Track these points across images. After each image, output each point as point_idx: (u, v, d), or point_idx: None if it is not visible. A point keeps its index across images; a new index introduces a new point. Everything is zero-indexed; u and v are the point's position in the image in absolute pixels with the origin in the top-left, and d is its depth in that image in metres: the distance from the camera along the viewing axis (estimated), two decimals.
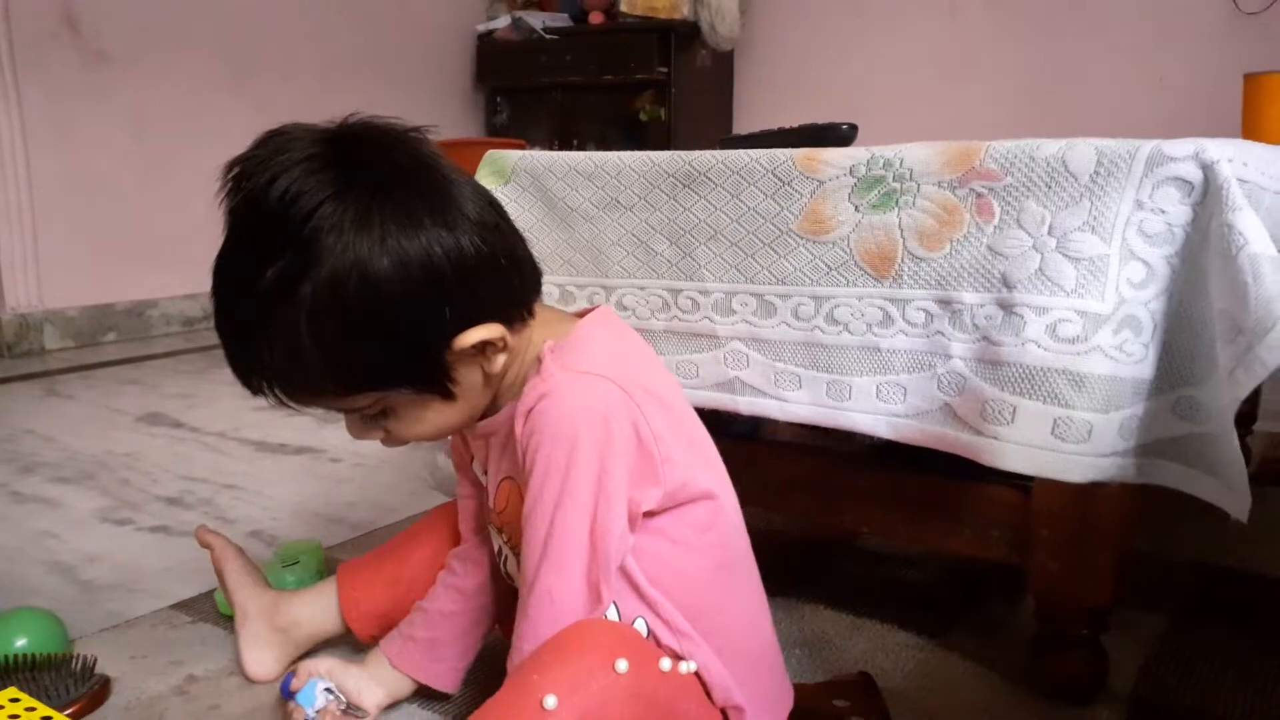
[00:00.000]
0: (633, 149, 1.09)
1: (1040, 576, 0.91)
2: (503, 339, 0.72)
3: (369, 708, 0.89)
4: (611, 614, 0.73)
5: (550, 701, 0.63)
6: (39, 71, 2.77)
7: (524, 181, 1.13)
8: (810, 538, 1.34)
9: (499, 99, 4.03)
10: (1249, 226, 0.73)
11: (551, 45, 3.80)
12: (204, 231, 3.47)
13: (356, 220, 0.65)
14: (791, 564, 1.22)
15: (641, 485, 0.71)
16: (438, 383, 0.71)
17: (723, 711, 0.75)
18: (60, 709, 0.88)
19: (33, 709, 0.84)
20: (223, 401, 2.21)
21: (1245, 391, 0.72)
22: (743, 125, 3.91)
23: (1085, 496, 0.85)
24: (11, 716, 0.83)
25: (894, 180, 0.90)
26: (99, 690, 0.94)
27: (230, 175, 0.68)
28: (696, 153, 1.02)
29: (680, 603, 0.75)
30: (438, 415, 0.74)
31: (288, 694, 0.88)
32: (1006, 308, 0.85)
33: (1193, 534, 1.27)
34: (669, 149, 1.06)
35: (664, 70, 3.63)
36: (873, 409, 0.93)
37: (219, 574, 1.03)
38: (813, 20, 3.75)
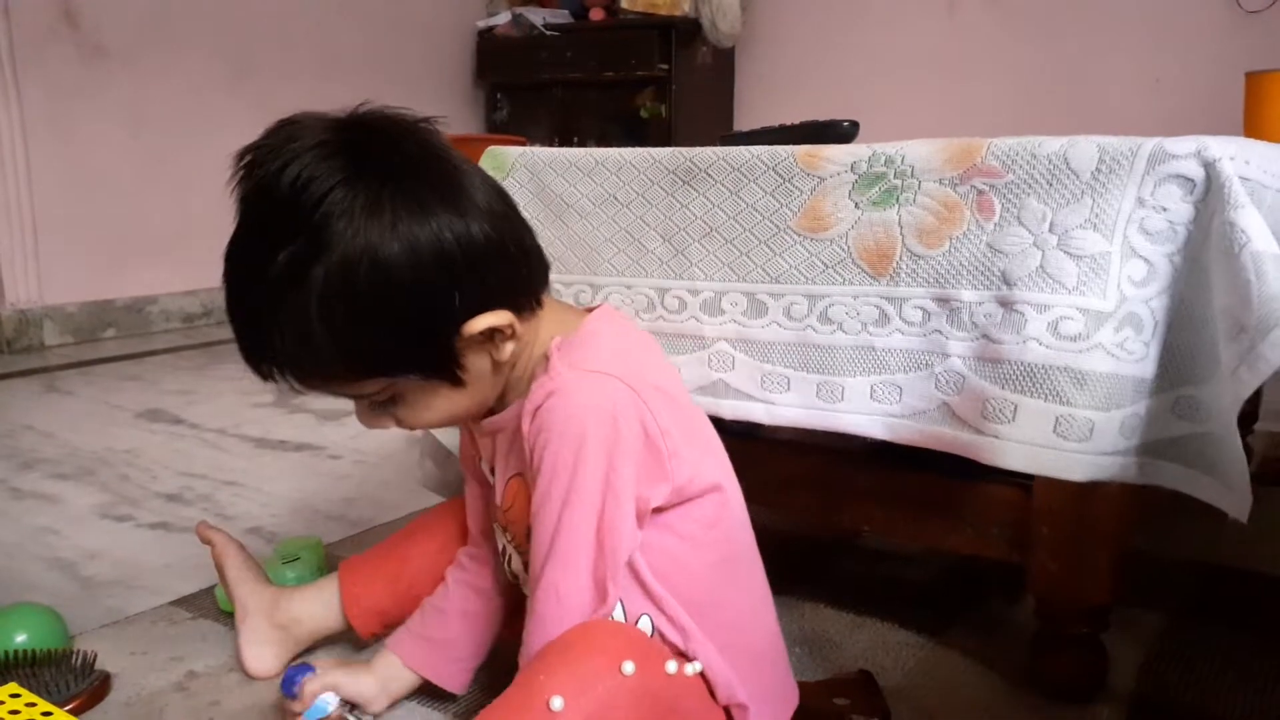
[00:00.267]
0: (633, 146, 1.09)
1: (1040, 575, 0.91)
2: (511, 326, 0.72)
3: (377, 709, 0.89)
4: (617, 612, 0.73)
5: (557, 703, 0.63)
6: (38, 67, 2.77)
7: (521, 177, 1.13)
8: (810, 536, 1.34)
9: (499, 95, 4.02)
10: (1251, 224, 0.73)
11: (552, 42, 3.80)
12: (204, 227, 3.48)
13: (367, 206, 0.65)
14: (792, 562, 1.22)
15: (650, 482, 0.71)
16: (447, 369, 0.71)
17: (726, 710, 0.75)
18: (60, 705, 0.88)
19: (33, 704, 0.84)
20: (223, 398, 2.21)
21: (1248, 390, 0.72)
22: (743, 122, 3.90)
23: (1085, 495, 0.85)
24: (12, 712, 0.83)
25: (895, 177, 0.90)
26: (99, 686, 0.94)
27: (242, 163, 0.68)
28: (698, 149, 1.02)
29: (685, 598, 0.75)
30: (447, 402, 0.74)
31: (289, 692, 0.87)
32: (1006, 305, 0.85)
33: (1193, 532, 1.27)
34: (670, 146, 1.06)
35: (665, 67, 3.63)
36: (867, 410, 0.93)
37: (219, 570, 1.02)
38: (814, 17, 3.74)
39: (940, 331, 0.88)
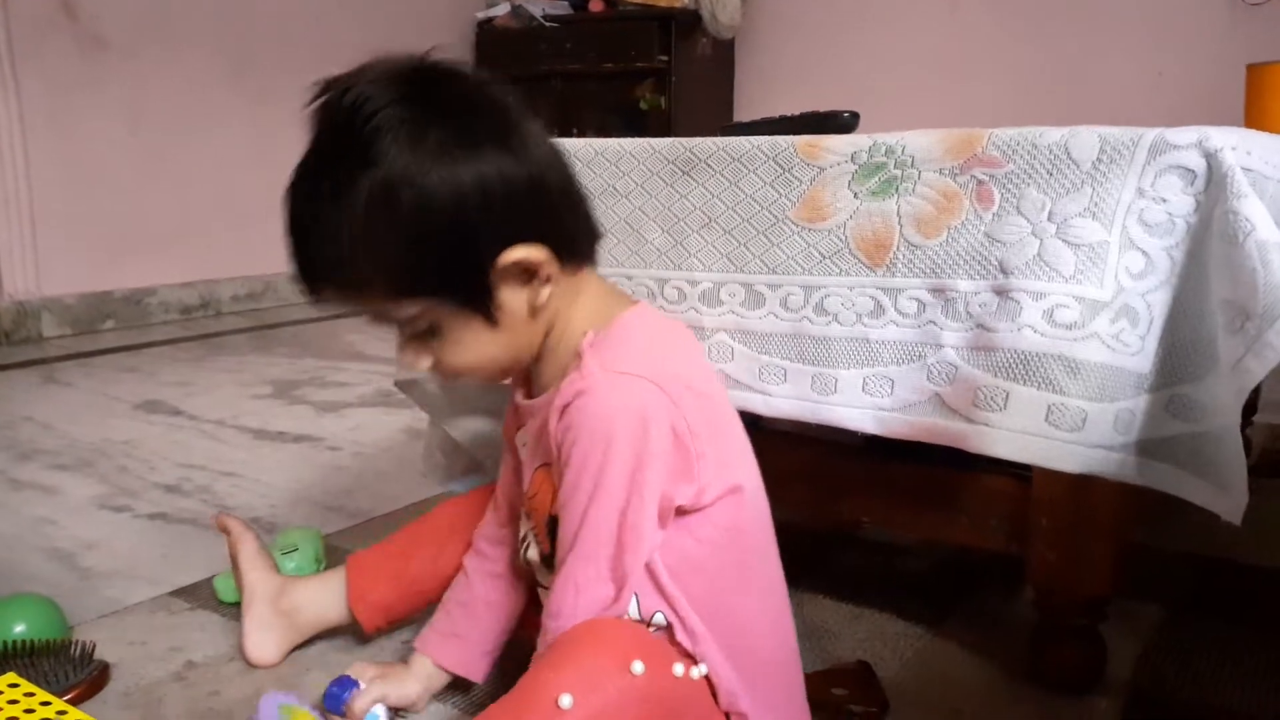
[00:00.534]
0: (633, 137, 1.09)
1: (1039, 566, 0.91)
2: (547, 266, 0.72)
3: (421, 709, 0.90)
4: (632, 608, 0.73)
5: (566, 700, 0.64)
6: (37, 60, 2.76)
7: None
8: (809, 528, 1.34)
9: None
10: (1255, 213, 0.73)
11: (551, 33, 3.79)
12: (202, 219, 3.48)
13: (416, 130, 0.67)
14: (790, 554, 1.21)
15: (676, 482, 0.72)
16: (482, 300, 0.72)
17: (726, 716, 0.75)
18: (59, 695, 0.88)
19: (32, 694, 0.84)
20: (221, 389, 2.21)
21: (1254, 380, 0.72)
22: (743, 114, 3.89)
23: (1084, 487, 0.85)
24: (11, 702, 0.83)
25: (895, 167, 0.90)
26: (98, 676, 0.94)
27: (316, 92, 0.71)
28: (697, 139, 1.01)
29: (696, 600, 0.75)
30: (482, 343, 0.74)
31: (336, 710, 0.86)
32: (1002, 294, 0.84)
33: (1191, 525, 1.27)
34: (669, 138, 1.06)
35: (664, 59, 3.61)
36: (859, 403, 0.92)
37: (233, 556, 1.03)
38: (814, 9, 3.73)
39: (935, 323, 0.88)
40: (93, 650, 0.96)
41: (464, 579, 0.92)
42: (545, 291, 0.73)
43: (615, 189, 1.06)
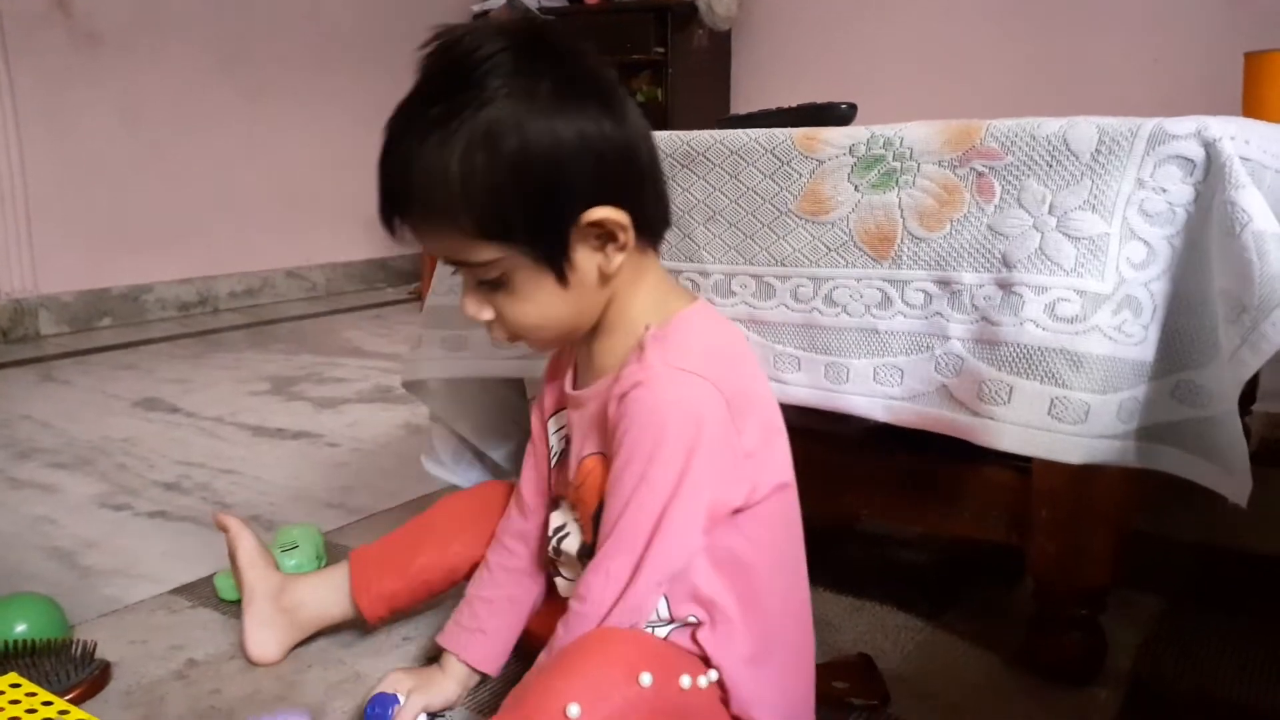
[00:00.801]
0: None
1: (1039, 557, 0.91)
2: (626, 233, 0.72)
3: (457, 705, 0.90)
4: (662, 607, 0.74)
5: (574, 710, 0.64)
6: (30, 55, 2.75)
7: None
8: (809, 520, 1.34)
9: None
10: (1252, 204, 0.73)
11: None
12: (199, 215, 3.46)
13: (529, 74, 0.69)
14: None
15: (728, 484, 0.73)
16: (557, 256, 0.72)
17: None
18: (61, 694, 0.88)
19: (34, 694, 0.84)
20: (219, 386, 2.21)
21: (1250, 371, 0.72)
22: (740, 106, 3.89)
23: (1084, 478, 0.85)
24: (12, 702, 0.83)
25: (894, 159, 0.89)
26: (99, 675, 0.94)
27: (429, 39, 0.73)
28: (694, 132, 1.01)
29: (740, 598, 0.75)
30: (548, 302, 0.74)
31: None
32: (1006, 287, 0.84)
33: (1191, 515, 1.28)
34: (666, 130, 1.05)
35: (661, 51, 3.60)
36: (870, 391, 0.93)
37: (232, 555, 1.03)
38: (811, 0, 3.72)
39: (941, 314, 0.88)
40: (94, 649, 0.96)
41: (488, 574, 0.92)
42: (618, 260, 0.74)
43: None
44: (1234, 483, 0.76)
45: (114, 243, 2.99)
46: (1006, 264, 0.84)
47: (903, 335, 0.90)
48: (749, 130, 0.98)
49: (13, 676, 0.86)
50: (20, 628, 0.97)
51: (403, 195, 0.72)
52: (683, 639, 0.75)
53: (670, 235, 1.04)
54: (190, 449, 1.74)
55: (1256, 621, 1.06)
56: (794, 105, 1.15)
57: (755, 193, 0.97)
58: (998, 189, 0.85)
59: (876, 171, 0.90)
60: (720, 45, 3.87)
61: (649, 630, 0.75)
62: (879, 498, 1.04)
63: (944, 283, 0.88)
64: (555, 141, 0.69)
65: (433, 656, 0.95)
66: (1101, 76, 3.18)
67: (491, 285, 0.74)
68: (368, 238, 3.74)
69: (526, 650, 0.88)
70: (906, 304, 0.90)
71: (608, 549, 0.72)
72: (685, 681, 0.71)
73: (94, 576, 1.22)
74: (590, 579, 0.73)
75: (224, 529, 1.04)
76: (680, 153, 1.01)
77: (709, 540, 0.74)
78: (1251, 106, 1.30)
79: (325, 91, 3.49)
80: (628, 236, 0.73)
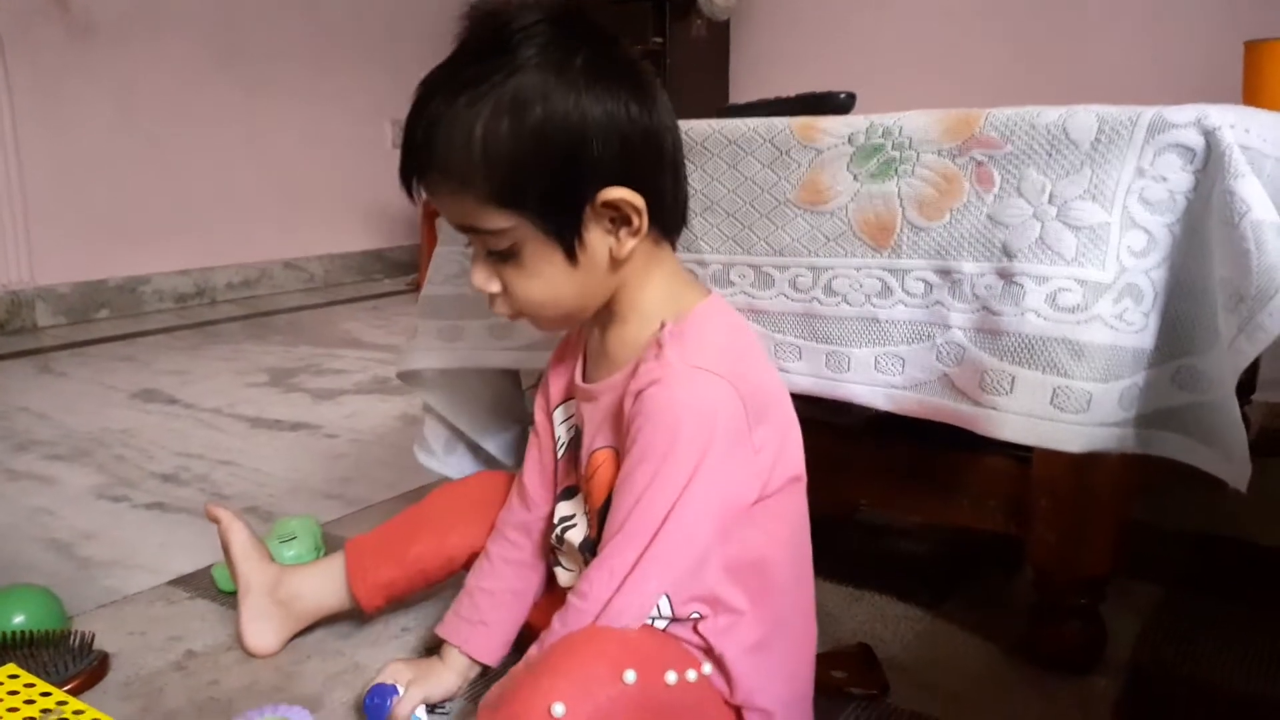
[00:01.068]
0: None
1: (1039, 547, 0.91)
2: (640, 217, 0.72)
3: (457, 696, 0.90)
4: (663, 605, 0.74)
5: (559, 709, 0.64)
6: (27, 48, 2.74)
7: None
8: (809, 510, 1.34)
9: None
10: (1251, 193, 0.73)
11: None
12: (196, 206, 3.45)
13: (564, 47, 0.70)
14: None
15: (740, 485, 0.73)
16: (569, 231, 0.72)
17: (737, 710, 0.75)
18: (59, 685, 0.88)
19: (32, 685, 0.84)
20: (217, 378, 2.21)
21: (1247, 360, 0.72)
22: (739, 96, 3.87)
23: (1084, 467, 0.85)
24: (11, 693, 0.83)
25: (893, 148, 0.89)
26: (97, 666, 0.94)
27: (466, 11, 0.74)
28: (693, 122, 1.00)
29: (750, 591, 0.75)
30: (557, 279, 0.74)
31: (379, 718, 0.85)
32: (1006, 277, 0.84)
33: (1190, 504, 1.28)
34: None
35: (659, 40, 3.59)
36: (871, 380, 0.93)
37: (224, 547, 1.03)
38: None
39: (942, 303, 0.88)
40: (92, 640, 0.96)
41: (489, 566, 0.92)
42: (630, 244, 0.73)
43: None
44: (1233, 467, 0.76)
45: (111, 234, 2.99)
46: (1007, 253, 0.84)
47: (903, 324, 0.90)
48: (747, 119, 0.98)
49: (11, 668, 0.86)
50: (18, 619, 0.97)
51: (424, 152, 0.72)
52: (684, 631, 0.75)
53: None
54: (188, 440, 1.74)
55: (1256, 610, 1.06)
56: (793, 95, 1.14)
57: (754, 182, 0.97)
58: (997, 178, 0.84)
59: (876, 161, 0.90)
60: (719, 35, 3.85)
61: (650, 623, 0.75)
62: (878, 487, 1.04)
63: (944, 272, 0.88)
64: (581, 116, 0.69)
65: (432, 647, 0.95)
66: (1102, 65, 3.17)
67: (501, 257, 0.74)
68: (365, 229, 3.74)
69: (525, 642, 0.88)
70: (907, 293, 0.90)
71: (614, 546, 0.72)
72: (671, 678, 0.71)
73: (92, 568, 1.22)
74: (593, 575, 0.72)
75: (215, 520, 1.04)
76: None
77: (722, 543, 0.73)
78: (1251, 95, 1.30)
79: (322, 83, 3.48)
80: (642, 221, 0.73)
